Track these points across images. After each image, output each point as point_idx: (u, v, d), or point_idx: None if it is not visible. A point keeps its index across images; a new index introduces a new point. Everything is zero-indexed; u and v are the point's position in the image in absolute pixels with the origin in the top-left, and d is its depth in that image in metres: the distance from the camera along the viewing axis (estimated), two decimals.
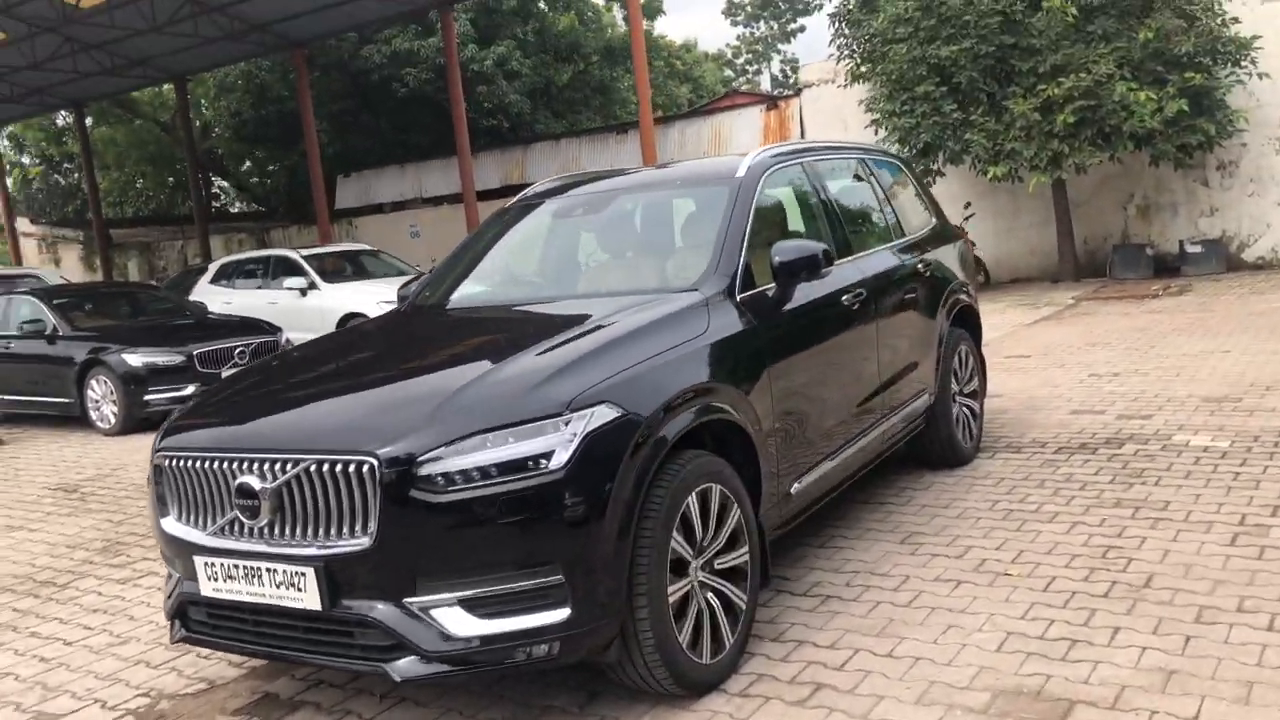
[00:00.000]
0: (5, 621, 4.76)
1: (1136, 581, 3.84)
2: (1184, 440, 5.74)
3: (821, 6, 44.70)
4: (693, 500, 3.27)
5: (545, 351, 3.36)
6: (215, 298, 14.44)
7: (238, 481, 3.13)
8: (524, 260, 5.13)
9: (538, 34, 25.89)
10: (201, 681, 3.83)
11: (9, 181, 29.88)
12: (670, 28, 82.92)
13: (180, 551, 3.34)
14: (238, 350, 10.32)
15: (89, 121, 28.54)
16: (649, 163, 16.44)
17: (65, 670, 4.09)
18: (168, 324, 11.30)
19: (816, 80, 17.78)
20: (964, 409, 5.77)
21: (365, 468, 2.95)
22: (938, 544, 4.47)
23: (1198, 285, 13.03)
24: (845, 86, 16.06)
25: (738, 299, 3.92)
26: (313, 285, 13.77)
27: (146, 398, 9.82)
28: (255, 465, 3.12)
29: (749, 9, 50.68)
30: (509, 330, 4.11)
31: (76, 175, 33.83)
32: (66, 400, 10.59)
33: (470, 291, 4.87)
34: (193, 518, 3.33)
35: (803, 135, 18.01)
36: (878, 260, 5.07)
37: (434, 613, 2.93)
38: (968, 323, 5.99)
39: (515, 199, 5.31)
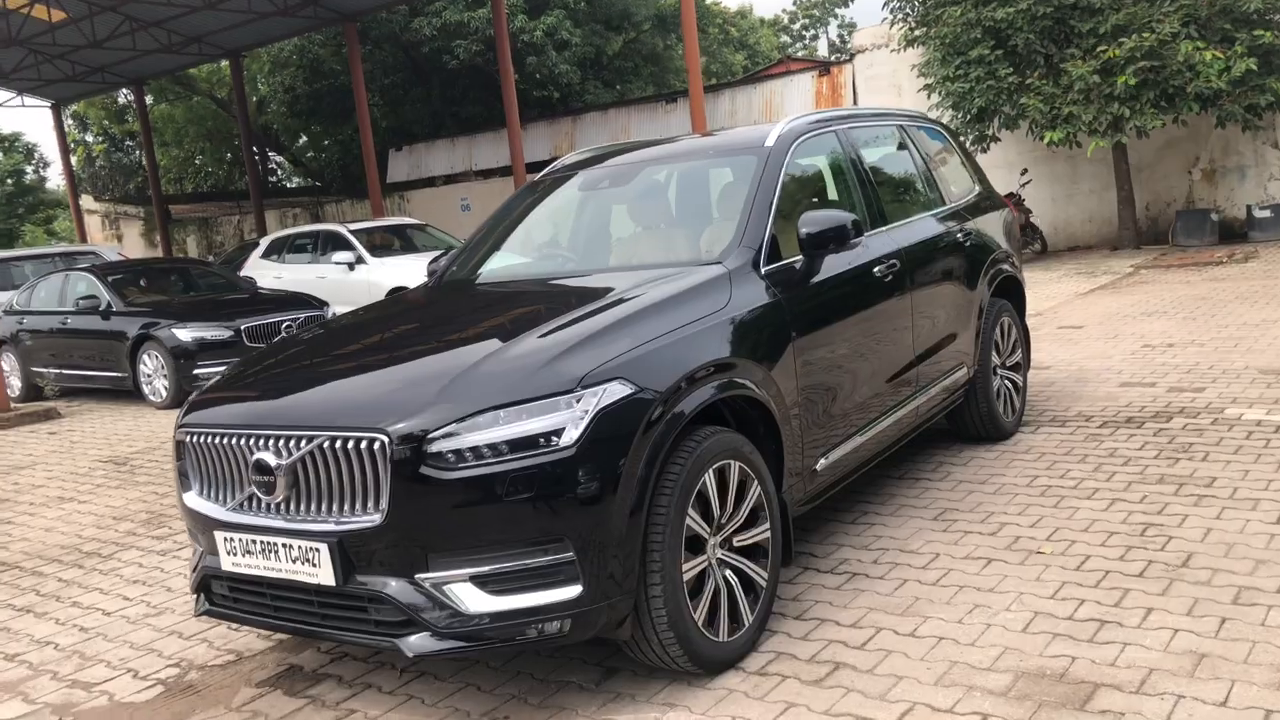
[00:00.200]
0: (50, 592, 4.88)
1: (1174, 561, 3.71)
2: (1236, 414, 5.54)
3: None
4: (710, 477, 3.22)
5: (560, 328, 3.31)
6: (266, 272, 14.62)
7: (254, 458, 3.15)
8: (554, 233, 5.09)
9: (588, 2, 25.68)
10: (230, 653, 3.89)
11: (73, 159, 30.58)
12: None
13: (202, 526, 3.38)
14: (285, 325, 10.43)
15: (149, 100, 29.02)
16: (698, 131, 16.26)
17: (103, 640, 4.18)
18: (217, 299, 11.51)
19: (870, 45, 17.42)
20: (1006, 382, 5.63)
21: (377, 444, 2.95)
22: (971, 520, 4.36)
23: (1264, 252, 12.59)
24: (899, 51, 15.73)
25: (762, 271, 3.84)
26: (360, 260, 13.86)
27: (196, 371, 9.97)
28: (271, 441, 3.14)
29: None
30: (530, 305, 4.06)
31: (138, 153, 34.53)
32: (120, 374, 10.82)
33: (499, 265, 4.85)
34: (213, 493, 3.37)
35: (855, 102, 17.69)
36: (914, 230, 4.94)
37: (446, 589, 2.93)
38: (1010, 294, 5.82)
39: (543, 171, 5.27)
